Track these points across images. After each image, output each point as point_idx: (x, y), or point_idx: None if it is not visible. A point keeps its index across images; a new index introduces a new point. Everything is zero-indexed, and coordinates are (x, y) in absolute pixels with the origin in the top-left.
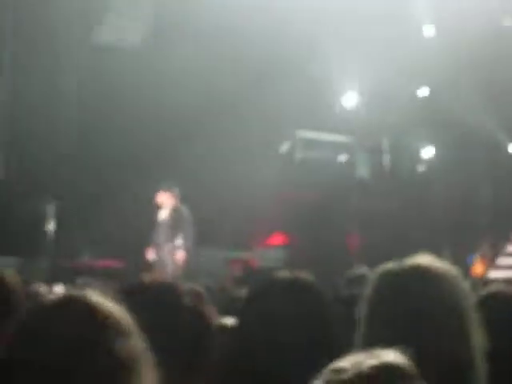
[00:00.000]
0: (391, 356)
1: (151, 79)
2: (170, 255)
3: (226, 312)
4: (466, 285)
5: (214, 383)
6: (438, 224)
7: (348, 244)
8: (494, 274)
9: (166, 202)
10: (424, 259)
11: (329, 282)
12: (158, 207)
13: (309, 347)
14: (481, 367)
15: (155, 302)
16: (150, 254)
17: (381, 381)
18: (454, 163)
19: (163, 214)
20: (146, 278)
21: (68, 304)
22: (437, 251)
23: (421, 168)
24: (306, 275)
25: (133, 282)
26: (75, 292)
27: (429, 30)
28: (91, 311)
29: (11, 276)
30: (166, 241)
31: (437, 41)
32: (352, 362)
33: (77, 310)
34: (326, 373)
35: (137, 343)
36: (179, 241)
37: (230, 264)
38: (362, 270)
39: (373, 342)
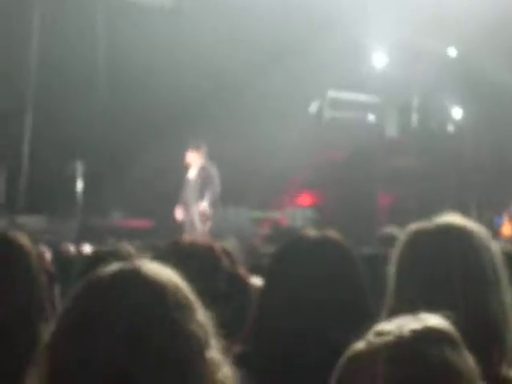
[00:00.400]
0: (434, 320)
1: (183, 41)
2: (198, 215)
3: (254, 270)
4: (496, 244)
5: (246, 343)
6: (467, 184)
7: (377, 203)
8: None
9: (194, 161)
10: (454, 218)
11: (357, 240)
12: (187, 166)
13: (337, 306)
14: None
15: (195, 266)
16: (179, 214)
17: (423, 344)
18: (483, 123)
19: (192, 173)
20: (180, 238)
21: (125, 279)
22: (465, 211)
23: (450, 127)
24: (334, 234)
25: (168, 244)
26: (129, 264)
27: None
28: (149, 284)
29: (22, 237)
30: (195, 200)
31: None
32: (396, 324)
33: (135, 285)
34: (368, 334)
35: (199, 312)
36: (207, 199)
37: (258, 223)
38: (391, 229)
39: (405, 300)
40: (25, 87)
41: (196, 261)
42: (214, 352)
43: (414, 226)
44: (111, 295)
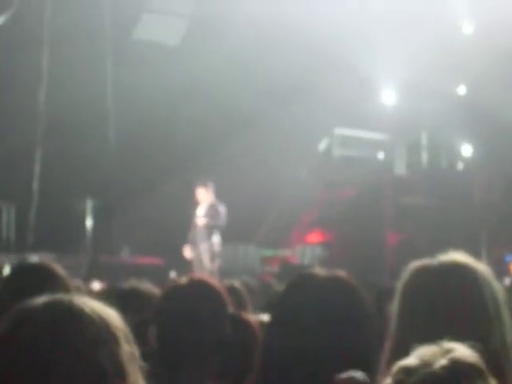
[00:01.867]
0: (461, 352)
1: (191, 80)
2: (207, 253)
3: (268, 307)
4: (497, 282)
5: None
6: (478, 221)
7: (386, 241)
8: None
9: (203, 198)
10: (458, 256)
11: (365, 279)
12: (196, 203)
13: (341, 350)
14: None
15: (199, 310)
16: (187, 252)
17: (454, 381)
18: (493, 160)
19: (200, 211)
20: (188, 279)
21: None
22: (475, 249)
23: (460, 165)
24: (343, 273)
25: (174, 285)
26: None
27: (467, 28)
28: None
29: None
30: (204, 238)
31: (475, 38)
32: (421, 359)
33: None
34: (395, 372)
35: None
36: (216, 238)
37: (267, 261)
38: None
39: (406, 339)
40: (34, 125)
41: (201, 306)
42: None
43: (417, 263)
44: (39, 323)
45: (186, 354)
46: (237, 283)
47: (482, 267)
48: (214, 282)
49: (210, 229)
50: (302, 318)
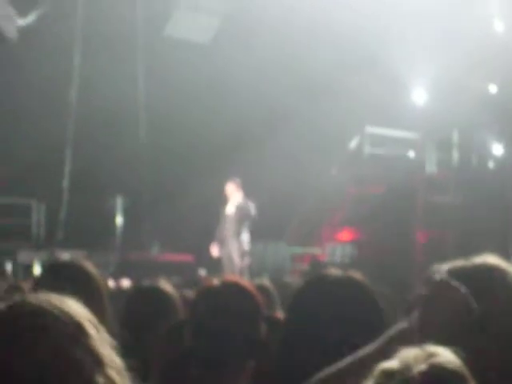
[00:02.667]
0: (444, 357)
1: (221, 77)
2: (237, 251)
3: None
4: None
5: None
6: (510, 221)
7: (415, 240)
8: None
9: (232, 194)
10: (487, 258)
11: (395, 277)
12: (225, 199)
13: (353, 350)
14: None
15: (234, 311)
16: (214, 251)
17: None
18: None
19: (229, 208)
20: (220, 280)
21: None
22: (505, 249)
23: (491, 164)
24: (357, 274)
25: (208, 286)
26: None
27: (498, 25)
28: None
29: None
30: (233, 235)
31: (506, 36)
32: (402, 363)
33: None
34: (376, 375)
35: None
36: (245, 236)
37: (297, 259)
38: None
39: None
40: (66, 123)
41: (236, 307)
42: (104, 379)
43: (445, 266)
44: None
45: (221, 355)
46: (266, 282)
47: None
48: (246, 282)
49: (239, 225)
50: (315, 317)
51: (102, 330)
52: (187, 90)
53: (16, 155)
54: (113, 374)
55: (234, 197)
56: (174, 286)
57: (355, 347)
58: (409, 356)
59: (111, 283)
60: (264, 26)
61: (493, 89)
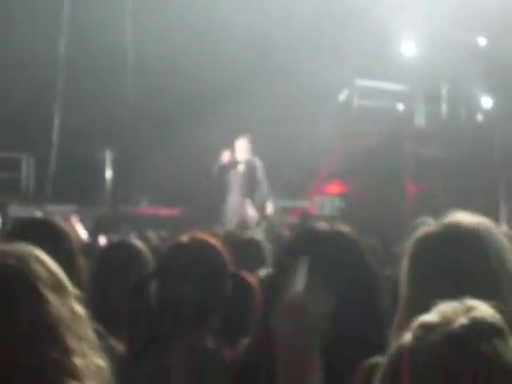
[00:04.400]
0: (483, 311)
1: (210, 26)
2: (245, 207)
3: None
4: (503, 240)
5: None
6: (497, 173)
7: (405, 192)
8: None
9: (243, 150)
10: (463, 217)
11: (384, 228)
12: (234, 160)
13: (346, 303)
14: None
15: (200, 269)
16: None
17: (473, 341)
18: None
19: (240, 165)
20: (189, 238)
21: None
22: (494, 199)
23: (479, 116)
24: (346, 228)
25: (176, 243)
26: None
27: None
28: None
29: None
30: (245, 193)
31: None
32: (442, 316)
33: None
34: (415, 328)
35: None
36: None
37: (286, 212)
38: (424, 219)
39: (418, 303)
40: (54, 76)
41: (202, 265)
42: (71, 335)
43: (421, 231)
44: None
45: (185, 312)
46: (258, 235)
47: (487, 226)
48: (215, 240)
49: (252, 184)
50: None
51: (70, 294)
52: (176, 39)
53: (4, 109)
54: (82, 331)
55: (244, 153)
56: (161, 240)
57: (341, 301)
58: (448, 309)
59: (101, 238)
60: None
61: (482, 41)
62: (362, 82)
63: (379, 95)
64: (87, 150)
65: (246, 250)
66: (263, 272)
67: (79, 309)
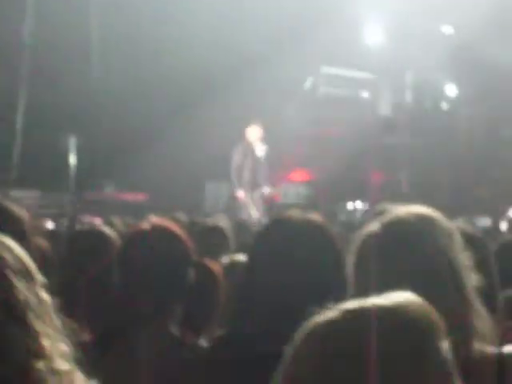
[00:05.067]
0: (405, 296)
1: (176, 6)
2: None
3: (244, 247)
4: (450, 227)
5: (224, 321)
6: (462, 161)
7: (370, 180)
8: None
9: (257, 137)
10: (413, 209)
11: (348, 216)
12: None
13: (316, 287)
14: (482, 309)
15: (162, 257)
16: (241, 194)
17: (396, 323)
18: (478, 99)
19: (260, 152)
20: (150, 225)
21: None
22: (459, 188)
23: (444, 104)
24: (317, 217)
25: (137, 230)
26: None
27: None
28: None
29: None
30: (265, 181)
31: None
32: (361, 302)
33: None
34: (331, 311)
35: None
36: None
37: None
38: (386, 205)
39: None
40: (18, 60)
41: (164, 252)
42: (38, 321)
43: (363, 230)
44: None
45: (148, 301)
46: (222, 223)
47: (438, 219)
48: (176, 227)
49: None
50: (278, 257)
51: (39, 282)
52: (141, 22)
53: None
54: (48, 317)
55: (258, 139)
56: (126, 226)
57: (316, 289)
58: (369, 298)
59: (66, 223)
60: None
61: (446, 30)
62: (326, 70)
63: (344, 83)
64: (51, 135)
65: (210, 237)
66: (226, 259)
67: (45, 295)
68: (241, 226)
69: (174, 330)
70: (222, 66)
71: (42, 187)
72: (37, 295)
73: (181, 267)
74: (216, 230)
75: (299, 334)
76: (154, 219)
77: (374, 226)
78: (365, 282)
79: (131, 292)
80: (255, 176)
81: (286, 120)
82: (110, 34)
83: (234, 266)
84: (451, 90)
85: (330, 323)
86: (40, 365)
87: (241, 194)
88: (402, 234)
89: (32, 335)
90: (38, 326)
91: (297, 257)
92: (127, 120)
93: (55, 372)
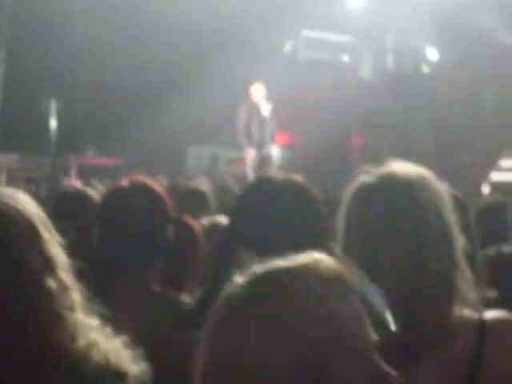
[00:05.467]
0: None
1: None
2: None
3: (224, 208)
4: (442, 188)
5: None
6: (442, 124)
7: (351, 144)
8: (496, 177)
9: (262, 96)
10: (398, 167)
11: (330, 179)
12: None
13: (297, 247)
14: (466, 269)
15: (140, 214)
16: (251, 153)
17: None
18: (458, 64)
19: (266, 110)
20: (128, 182)
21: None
22: (440, 152)
23: (425, 69)
24: (300, 178)
25: (115, 188)
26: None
27: None
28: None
29: None
30: (270, 139)
31: None
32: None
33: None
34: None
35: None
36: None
37: (233, 163)
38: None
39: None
40: (0, 20)
41: (142, 209)
42: (55, 281)
43: (355, 183)
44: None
45: (127, 259)
46: (204, 186)
47: (425, 177)
48: (155, 184)
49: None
50: (260, 217)
51: (52, 229)
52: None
53: None
54: (62, 274)
55: (263, 98)
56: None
57: (296, 249)
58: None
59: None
60: None
61: None
62: (307, 33)
63: (325, 46)
64: (32, 98)
65: (191, 199)
66: (206, 220)
67: (61, 251)
68: (222, 189)
69: (155, 285)
70: (203, 32)
71: (21, 150)
72: (57, 249)
73: (159, 223)
74: (197, 193)
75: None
76: (133, 177)
77: (367, 178)
78: (356, 234)
79: (109, 249)
80: (262, 135)
81: (267, 84)
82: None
83: (214, 227)
84: (432, 54)
85: (238, 289)
86: (74, 317)
87: (250, 153)
88: (398, 188)
89: (63, 286)
90: (67, 280)
91: (277, 217)
92: (110, 85)
93: (86, 326)
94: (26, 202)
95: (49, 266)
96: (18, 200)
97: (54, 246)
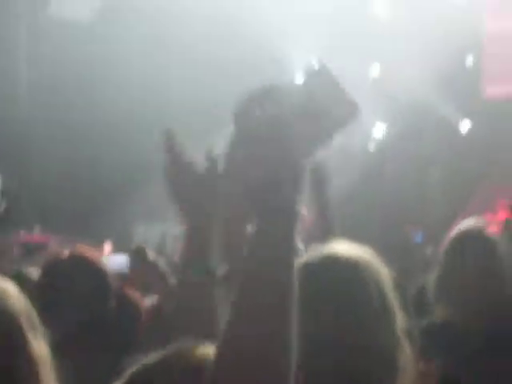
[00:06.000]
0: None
1: (103, 54)
2: None
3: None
4: (382, 270)
5: None
6: (390, 201)
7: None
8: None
9: None
10: (340, 248)
11: None
12: None
13: None
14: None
15: (79, 286)
16: None
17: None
18: (404, 142)
19: None
20: (68, 254)
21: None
22: (386, 228)
23: (372, 147)
24: None
25: (54, 260)
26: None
27: (381, 8)
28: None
29: None
30: None
31: (388, 19)
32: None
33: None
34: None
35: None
36: None
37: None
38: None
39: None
40: None
41: (81, 282)
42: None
43: (301, 260)
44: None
45: (67, 331)
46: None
47: (366, 258)
48: (95, 257)
49: None
50: None
51: (39, 327)
52: (71, 69)
53: None
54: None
55: None
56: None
57: None
58: None
59: None
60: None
61: (375, 70)
62: None
63: None
64: None
65: None
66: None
67: (46, 347)
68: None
69: (95, 360)
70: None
71: None
72: (41, 346)
73: (99, 296)
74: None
75: None
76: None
77: (309, 258)
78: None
79: (50, 323)
80: None
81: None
82: (39, 80)
83: None
84: (379, 131)
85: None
86: None
87: None
88: (340, 270)
89: None
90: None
91: None
92: (57, 163)
93: None
94: (13, 298)
95: (31, 366)
96: (5, 296)
97: (39, 343)
